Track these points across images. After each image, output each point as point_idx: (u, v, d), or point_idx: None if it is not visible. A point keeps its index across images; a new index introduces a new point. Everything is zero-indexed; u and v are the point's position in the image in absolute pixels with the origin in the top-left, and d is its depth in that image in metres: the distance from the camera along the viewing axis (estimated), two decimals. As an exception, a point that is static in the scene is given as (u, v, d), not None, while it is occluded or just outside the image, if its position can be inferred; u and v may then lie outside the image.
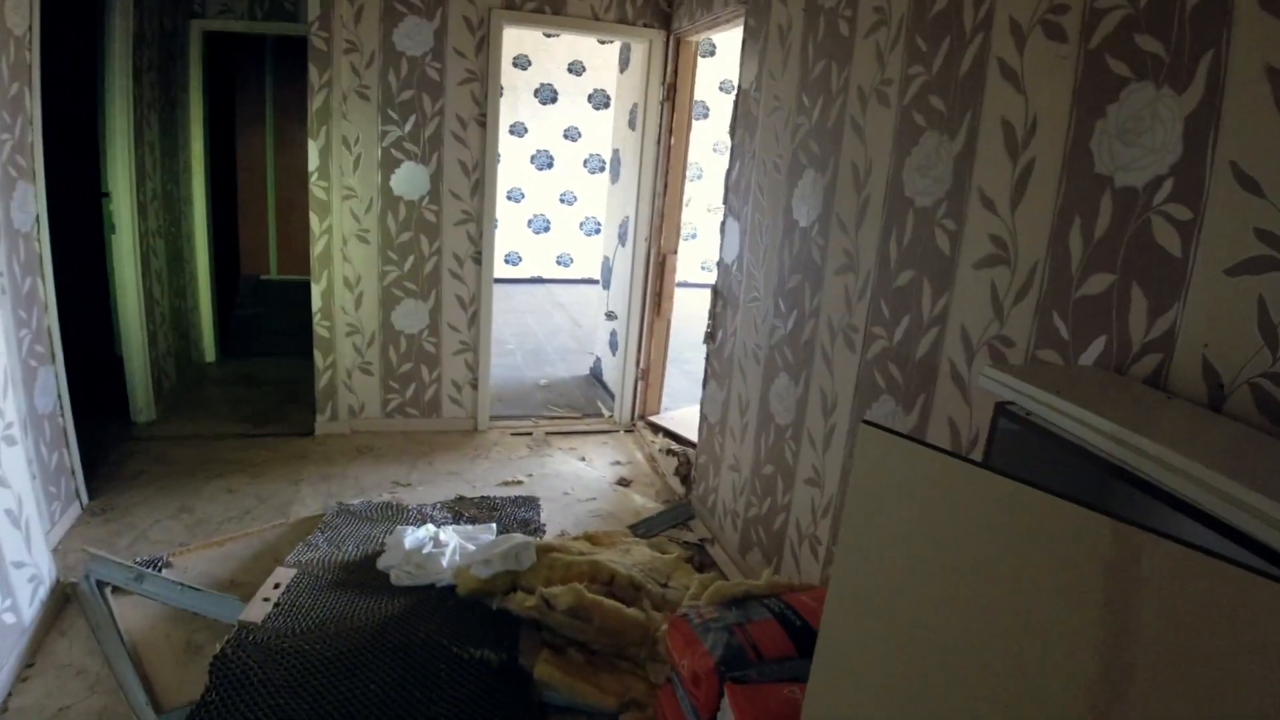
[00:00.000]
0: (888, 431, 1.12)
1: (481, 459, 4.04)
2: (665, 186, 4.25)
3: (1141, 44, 1.44)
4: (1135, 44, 1.45)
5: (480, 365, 4.30)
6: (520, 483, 3.81)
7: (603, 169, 8.25)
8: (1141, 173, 1.43)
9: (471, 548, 2.69)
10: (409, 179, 3.95)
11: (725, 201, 3.36)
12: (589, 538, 2.95)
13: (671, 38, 4.07)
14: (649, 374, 4.53)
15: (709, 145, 8.39)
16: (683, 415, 4.62)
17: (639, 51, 4.41)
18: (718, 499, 3.45)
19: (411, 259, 4.07)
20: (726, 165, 3.35)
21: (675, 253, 4.37)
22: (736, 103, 3.26)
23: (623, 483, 3.92)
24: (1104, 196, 1.51)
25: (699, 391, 3.68)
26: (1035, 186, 1.69)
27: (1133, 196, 1.45)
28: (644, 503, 3.73)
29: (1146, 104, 1.42)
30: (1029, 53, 1.70)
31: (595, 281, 8.51)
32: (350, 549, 2.91)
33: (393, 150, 3.90)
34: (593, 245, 8.56)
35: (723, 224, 3.39)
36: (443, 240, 4.08)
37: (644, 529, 3.40)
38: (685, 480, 3.81)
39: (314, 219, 3.90)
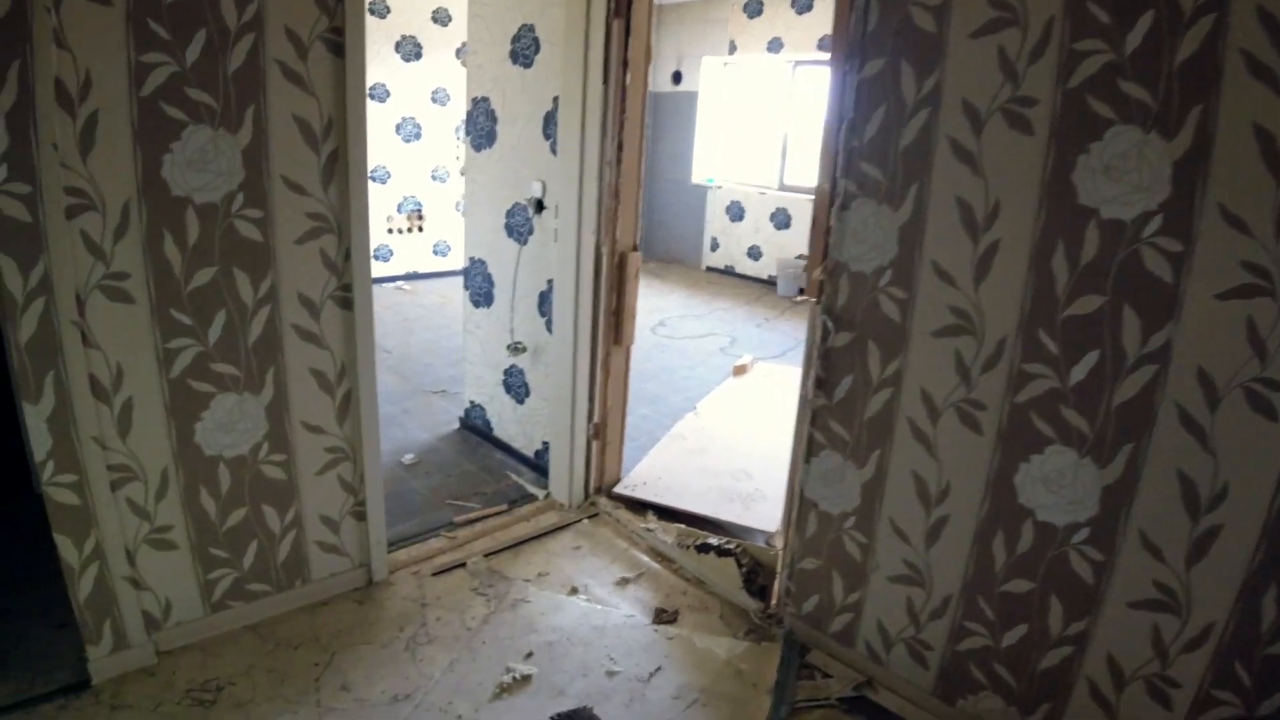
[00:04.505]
0: None
1: (423, 644, 2.33)
2: (620, 149, 2.77)
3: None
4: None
5: (368, 481, 2.48)
6: (527, 679, 2.22)
7: (418, 136, 6.38)
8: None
9: None
10: (201, 159, 1.98)
11: (844, 173, 2.09)
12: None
13: (623, -89, 2.55)
14: (604, 429, 3.08)
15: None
16: (660, 475, 3.27)
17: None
18: (862, 620, 2.30)
19: (220, 318, 2.11)
20: (841, 114, 2.07)
21: (636, 249, 2.93)
22: (868, 14, 1.97)
23: (663, 617, 2.52)
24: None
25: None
26: None
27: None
28: (729, 648, 2.40)
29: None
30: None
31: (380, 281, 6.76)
32: None
33: (163, 104, 1.89)
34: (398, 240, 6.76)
35: (839, 207, 2.12)
36: (278, 272, 2.18)
37: (786, 710, 2.12)
38: (763, 593, 2.56)
39: (5, 266, 1.77)
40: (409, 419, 3.80)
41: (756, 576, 2.58)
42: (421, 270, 7.09)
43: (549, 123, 2.94)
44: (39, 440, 1.90)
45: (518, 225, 3.16)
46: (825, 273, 2.18)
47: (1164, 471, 1.67)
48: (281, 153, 2.11)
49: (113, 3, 1.78)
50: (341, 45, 2.13)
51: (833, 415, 2.26)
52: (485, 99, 3.21)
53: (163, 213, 1.96)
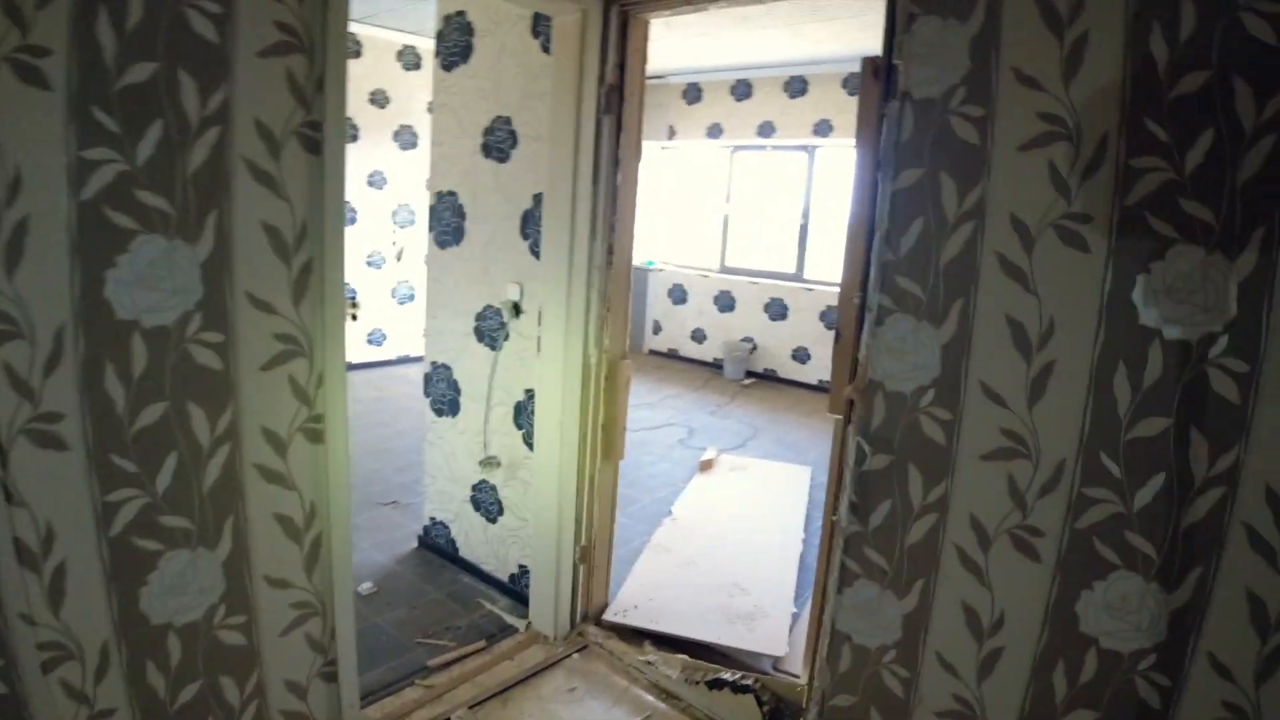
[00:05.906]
0: None
1: (411, 836, 1.96)
2: (610, 253, 2.59)
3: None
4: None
5: (340, 637, 2.13)
6: None
7: (353, 221, 6.45)
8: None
9: None
10: (153, 275, 1.67)
11: (881, 288, 1.97)
12: None
13: (615, 10, 2.43)
14: (591, 552, 2.81)
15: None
16: (651, 595, 3.00)
17: (501, 38, 2.68)
18: (907, 768, 2.08)
19: (170, 462, 1.77)
20: (880, 223, 1.96)
21: (626, 357, 2.73)
22: (901, 122, 1.88)
23: (680, 775, 2.24)
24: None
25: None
26: None
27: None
28: (758, 811, 2.13)
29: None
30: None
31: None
32: None
33: (108, 210, 1.59)
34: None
35: (873, 323, 1.99)
36: (239, 405, 1.86)
37: None
38: (786, 736, 2.31)
39: (-106, 422, 1.42)
40: (361, 537, 3.41)
41: (780, 716, 2.34)
42: (355, 360, 6.68)
43: (528, 222, 2.74)
44: (-67, 634, 1.51)
45: (490, 329, 2.91)
46: (856, 392, 2.03)
47: (1233, 594, 1.60)
48: (247, 265, 1.82)
49: (52, 86, 1.48)
50: (319, 142, 1.88)
51: (868, 543, 2.08)
52: (452, 194, 3.00)
53: (104, 339, 1.63)
